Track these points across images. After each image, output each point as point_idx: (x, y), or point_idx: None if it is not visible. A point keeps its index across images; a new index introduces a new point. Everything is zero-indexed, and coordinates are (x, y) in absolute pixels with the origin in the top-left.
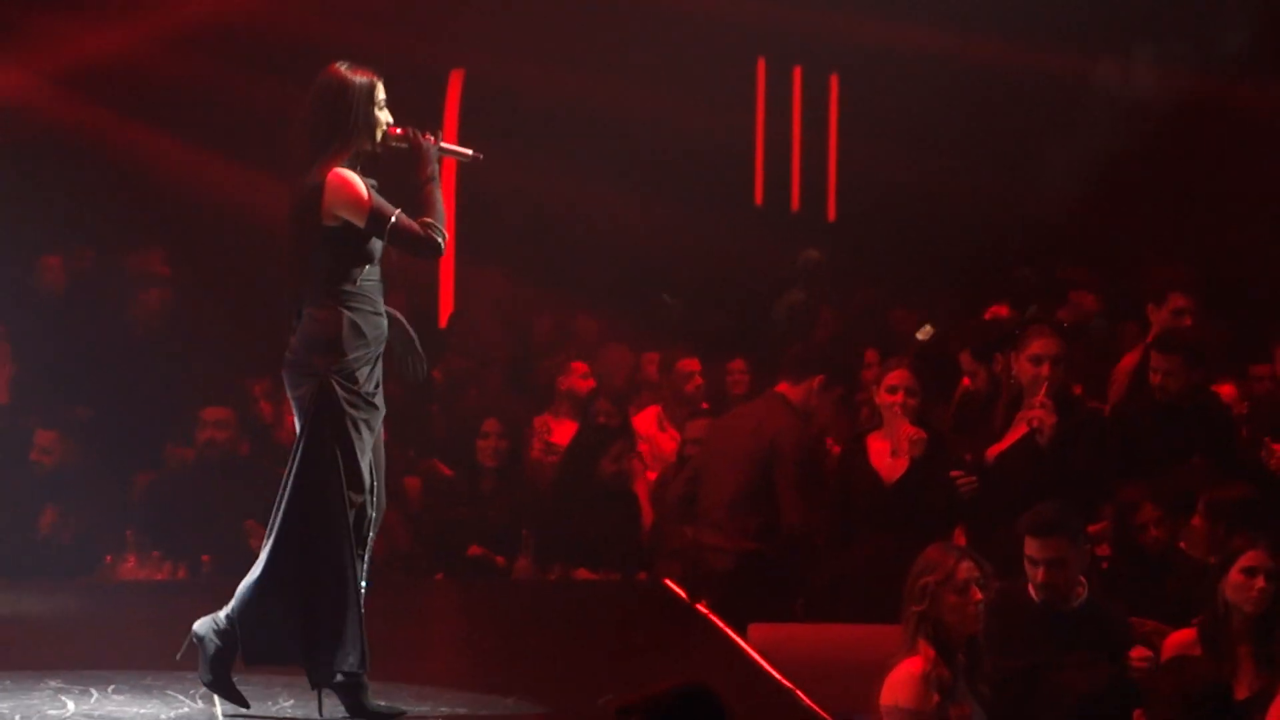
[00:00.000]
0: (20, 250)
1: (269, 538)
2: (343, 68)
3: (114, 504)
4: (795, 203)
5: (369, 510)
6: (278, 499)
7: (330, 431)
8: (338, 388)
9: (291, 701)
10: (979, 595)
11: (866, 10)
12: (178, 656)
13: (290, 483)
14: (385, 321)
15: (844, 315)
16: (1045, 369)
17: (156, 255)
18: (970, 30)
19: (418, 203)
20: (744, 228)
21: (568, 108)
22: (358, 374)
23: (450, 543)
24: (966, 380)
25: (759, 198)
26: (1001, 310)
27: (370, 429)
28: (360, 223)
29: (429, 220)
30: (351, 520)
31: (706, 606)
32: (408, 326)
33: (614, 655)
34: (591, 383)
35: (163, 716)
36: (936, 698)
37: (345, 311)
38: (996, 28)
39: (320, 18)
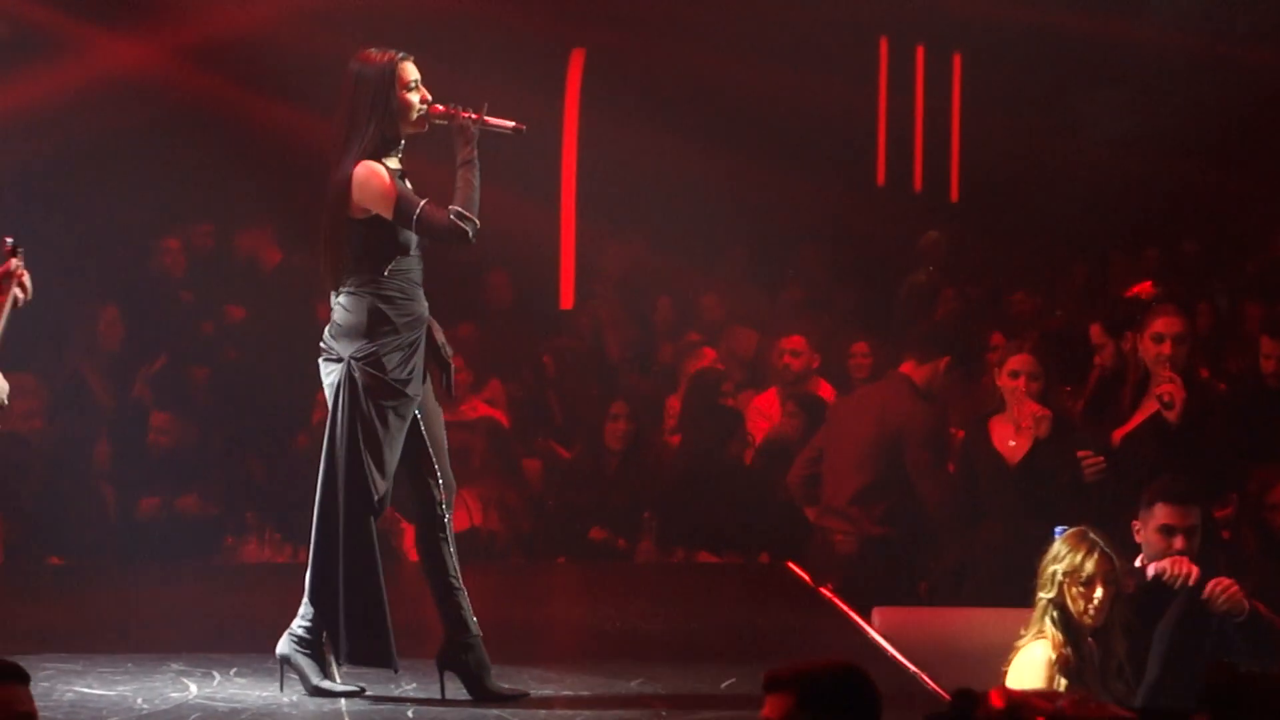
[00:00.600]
0: (139, 230)
1: (313, 534)
2: (368, 52)
3: (234, 487)
4: (918, 183)
5: (437, 494)
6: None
7: (355, 419)
8: (362, 375)
9: (414, 685)
10: (1101, 591)
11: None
12: (281, 692)
13: (321, 474)
14: (422, 307)
15: (966, 297)
16: (1167, 347)
17: (267, 233)
18: (1093, 7)
19: (451, 187)
20: (866, 208)
21: (689, 87)
22: (385, 360)
23: (572, 526)
24: (1098, 359)
25: (881, 178)
26: (1144, 288)
27: (400, 415)
28: (388, 214)
29: (458, 208)
30: (425, 508)
31: (830, 590)
32: (437, 333)
33: (737, 638)
34: (719, 368)
35: (284, 699)
36: (1064, 683)
37: (374, 299)
38: (1118, 5)
39: None
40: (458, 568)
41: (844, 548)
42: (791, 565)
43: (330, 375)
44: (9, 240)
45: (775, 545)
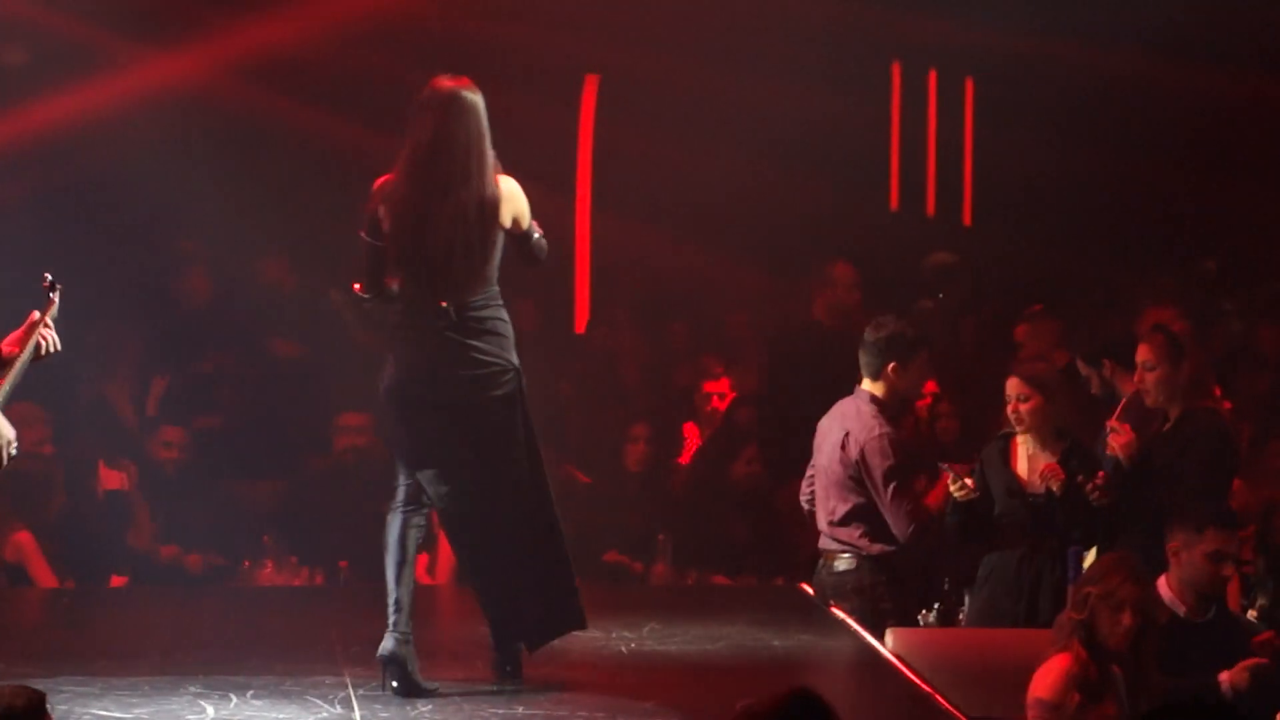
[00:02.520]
0: (166, 256)
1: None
2: (467, 79)
3: (250, 509)
4: (930, 207)
5: None
6: (510, 492)
7: (530, 423)
8: (524, 382)
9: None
10: (1130, 620)
11: (1002, 18)
12: (383, 690)
13: (518, 479)
14: None
15: (979, 324)
16: (1139, 376)
17: (282, 263)
18: (1105, 42)
19: None
20: (879, 233)
21: (701, 109)
22: None
23: (587, 548)
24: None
25: (894, 203)
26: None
27: None
28: (524, 226)
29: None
30: None
31: (842, 610)
32: None
33: (751, 661)
34: (724, 404)
35: None
36: (1077, 697)
37: (505, 308)
38: (1132, 39)
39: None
40: None
41: (842, 568)
42: (804, 586)
43: (502, 387)
44: (47, 276)
45: (789, 567)
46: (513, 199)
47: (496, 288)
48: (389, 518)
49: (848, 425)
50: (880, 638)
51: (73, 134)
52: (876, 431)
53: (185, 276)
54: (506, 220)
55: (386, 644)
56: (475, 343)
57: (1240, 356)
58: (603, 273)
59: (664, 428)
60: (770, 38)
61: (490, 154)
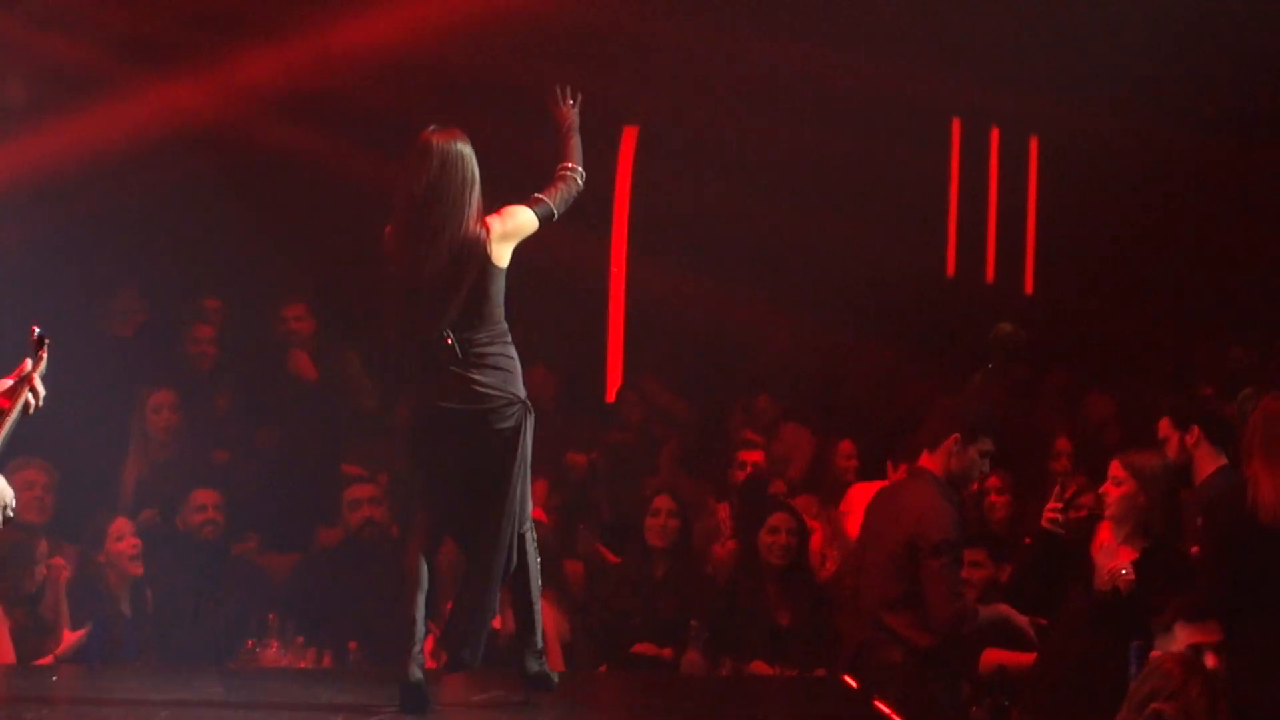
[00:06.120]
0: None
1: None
2: (457, 130)
3: (255, 586)
4: (990, 273)
5: None
6: (492, 520)
7: (528, 456)
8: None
9: None
10: None
11: (1071, 83)
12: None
13: (517, 506)
14: None
15: (1036, 398)
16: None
17: (299, 309)
18: (1177, 111)
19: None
20: (935, 301)
21: (748, 164)
22: None
23: (615, 633)
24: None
25: (951, 268)
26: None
27: None
28: (531, 229)
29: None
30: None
31: (885, 705)
32: None
33: None
34: (769, 467)
35: None
36: None
37: (512, 344)
38: (1203, 112)
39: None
40: None
41: (890, 659)
42: (847, 678)
43: (508, 420)
44: (35, 330)
45: (833, 657)
46: (505, 238)
47: (504, 325)
48: (410, 550)
49: (904, 500)
50: None
51: (75, 171)
52: (936, 505)
53: (193, 331)
54: (504, 259)
55: (415, 672)
56: (479, 377)
57: None
58: (635, 337)
59: (693, 503)
60: (816, 88)
61: (477, 200)
